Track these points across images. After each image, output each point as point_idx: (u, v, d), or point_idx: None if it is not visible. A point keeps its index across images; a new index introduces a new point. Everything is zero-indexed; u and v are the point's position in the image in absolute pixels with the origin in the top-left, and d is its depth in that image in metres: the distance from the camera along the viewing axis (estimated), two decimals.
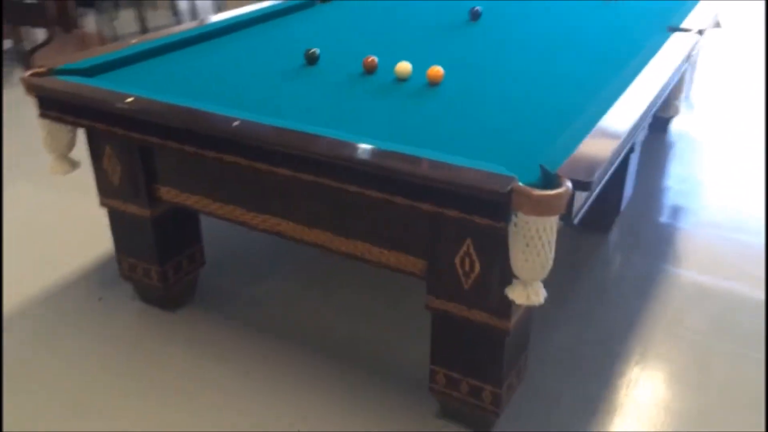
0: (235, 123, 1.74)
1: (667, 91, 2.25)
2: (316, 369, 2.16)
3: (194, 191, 2.08)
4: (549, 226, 1.46)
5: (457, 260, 1.68)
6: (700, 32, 2.59)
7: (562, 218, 1.51)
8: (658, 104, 2.13)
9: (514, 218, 1.48)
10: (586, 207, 1.60)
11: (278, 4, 3.02)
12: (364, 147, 1.61)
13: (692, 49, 2.50)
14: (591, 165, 1.52)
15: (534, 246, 1.48)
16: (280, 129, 1.70)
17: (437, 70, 2.13)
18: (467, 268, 1.67)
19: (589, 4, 3.12)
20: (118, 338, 2.31)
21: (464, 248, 1.65)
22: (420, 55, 2.38)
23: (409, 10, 3.04)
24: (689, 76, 2.69)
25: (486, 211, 1.49)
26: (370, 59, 2.23)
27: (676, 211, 3.09)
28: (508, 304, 1.66)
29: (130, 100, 1.88)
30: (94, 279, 2.60)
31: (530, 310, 1.85)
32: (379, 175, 1.56)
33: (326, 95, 2.05)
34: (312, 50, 2.32)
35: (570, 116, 1.84)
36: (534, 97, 2.03)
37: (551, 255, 1.51)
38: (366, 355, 2.22)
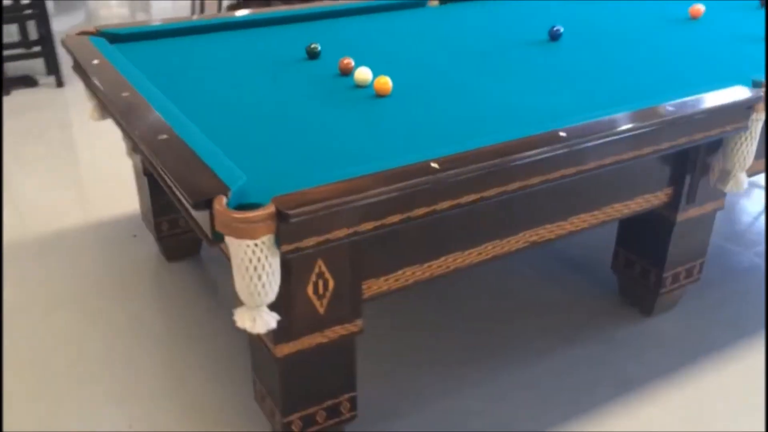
0: (125, 94, 1.90)
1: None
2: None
3: None
4: (250, 250, 1.36)
5: None
6: None
7: (281, 248, 1.38)
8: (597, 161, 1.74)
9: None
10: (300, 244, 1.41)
11: (385, 1, 3.03)
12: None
13: (750, 108, 1.92)
14: (307, 200, 1.36)
15: (238, 268, 1.39)
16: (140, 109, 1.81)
17: (383, 83, 2.01)
18: None
19: (703, 36, 2.55)
20: (121, 270, 2.66)
21: None
22: (445, 71, 2.24)
23: (497, 24, 2.82)
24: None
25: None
26: (345, 61, 2.18)
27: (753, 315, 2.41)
28: (279, 327, 1.56)
29: (95, 62, 2.15)
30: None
31: (345, 346, 1.70)
32: None
33: (272, 89, 2.08)
34: (313, 45, 2.34)
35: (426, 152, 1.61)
36: (444, 127, 1.80)
37: (261, 283, 1.39)
38: None
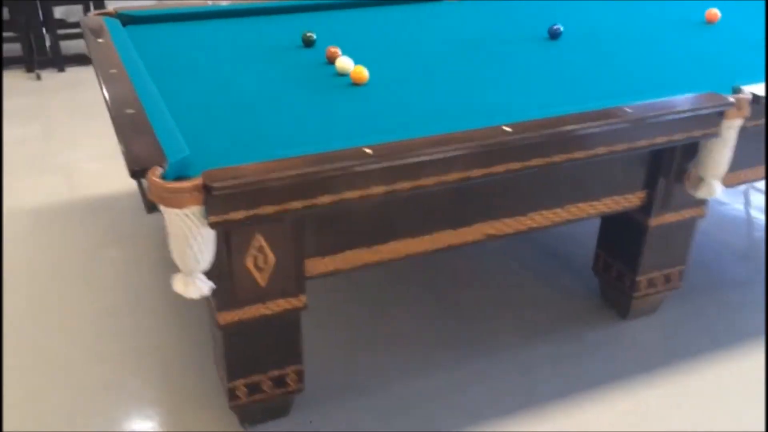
0: (112, 71, 2.03)
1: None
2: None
3: None
4: (179, 218, 1.46)
5: None
6: (756, 99, 1.93)
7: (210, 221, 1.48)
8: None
9: None
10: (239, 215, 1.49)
11: None
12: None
13: (721, 115, 1.90)
14: (231, 175, 1.44)
15: (170, 235, 1.50)
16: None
17: (358, 72, 2.08)
18: None
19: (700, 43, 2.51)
20: (129, 238, 2.83)
21: None
22: (445, 66, 2.27)
23: (505, 20, 2.83)
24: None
25: None
26: (332, 50, 2.26)
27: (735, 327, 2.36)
28: (221, 296, 1.67)
29: (100, 41, 2.30)
30: None
31: (290, 319, 1.79)
32: None
33: (256, 72, 2.19)
34: (309, 33, 2.43)
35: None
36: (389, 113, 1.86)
37: (192, 251, 1.49)
38: None
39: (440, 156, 1.62)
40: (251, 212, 1.50)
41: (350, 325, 2.35)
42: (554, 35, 2.55)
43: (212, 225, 1.48)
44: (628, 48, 2.45)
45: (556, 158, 1.77)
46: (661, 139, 1.87)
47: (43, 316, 2.37)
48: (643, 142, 1.85)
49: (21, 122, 4.13)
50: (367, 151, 1.57)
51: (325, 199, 1.56)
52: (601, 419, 1.98)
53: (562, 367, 2.17)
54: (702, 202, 2.18)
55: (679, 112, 1.84)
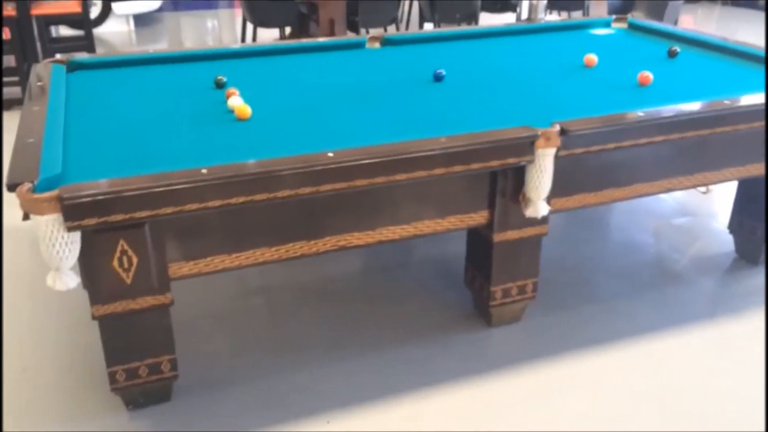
0: (35, 108, 2.44)
1: None
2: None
3: None
4: (42, 223, 1.82)
5: None
6: (564, 132, 2.24)
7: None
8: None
9: None
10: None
11: (331, 41, 3.50)
12: None
13: (532, 144, 2.22)
14: (79, 189, 1.81)
15: (38, 236, 1.86)
16: None
17: (239, 109, 2.45)
18: None
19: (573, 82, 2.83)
20: None
21: None
22: (328, 104, 2.63)
23: (407, 65, 3.18)
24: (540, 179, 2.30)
25: None
26: (229, 90, 2.64)
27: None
28: (94, 291, 2.03)
29: (39, 83, 2.73)
30: None
31: (159, 314, 2.13)
32: None
33: (158, 108, 2.57)
34: (219, 77, 2.82)
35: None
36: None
37: (55, 251, 1.85)
38: None
39: (268, 176, 1.97)
40: (102, 219, 1.87)
41: (243, 326, 2.69)
42: (438, 78, 2.90)
43: (69, 229, 1.84)
44: (497, 88, 2.78)
45: (378, 179, 2.10)
46: (476, 165, 2.19)
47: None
48: (458, 167, 2.18)
49: None
50: (203, 171, 1.93)
51: (168, 209, 1.91)
52: (443, 408, 2.27)
53: (420, 364, 2.47)
54: (543, 221, 2.48)
55: (488, 143, 2.17)
